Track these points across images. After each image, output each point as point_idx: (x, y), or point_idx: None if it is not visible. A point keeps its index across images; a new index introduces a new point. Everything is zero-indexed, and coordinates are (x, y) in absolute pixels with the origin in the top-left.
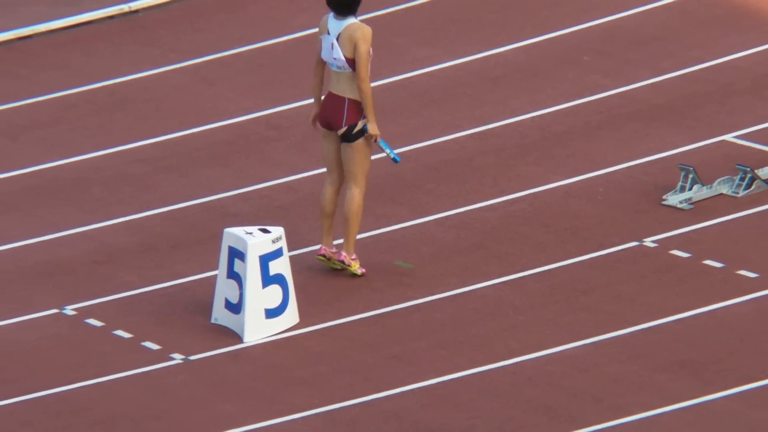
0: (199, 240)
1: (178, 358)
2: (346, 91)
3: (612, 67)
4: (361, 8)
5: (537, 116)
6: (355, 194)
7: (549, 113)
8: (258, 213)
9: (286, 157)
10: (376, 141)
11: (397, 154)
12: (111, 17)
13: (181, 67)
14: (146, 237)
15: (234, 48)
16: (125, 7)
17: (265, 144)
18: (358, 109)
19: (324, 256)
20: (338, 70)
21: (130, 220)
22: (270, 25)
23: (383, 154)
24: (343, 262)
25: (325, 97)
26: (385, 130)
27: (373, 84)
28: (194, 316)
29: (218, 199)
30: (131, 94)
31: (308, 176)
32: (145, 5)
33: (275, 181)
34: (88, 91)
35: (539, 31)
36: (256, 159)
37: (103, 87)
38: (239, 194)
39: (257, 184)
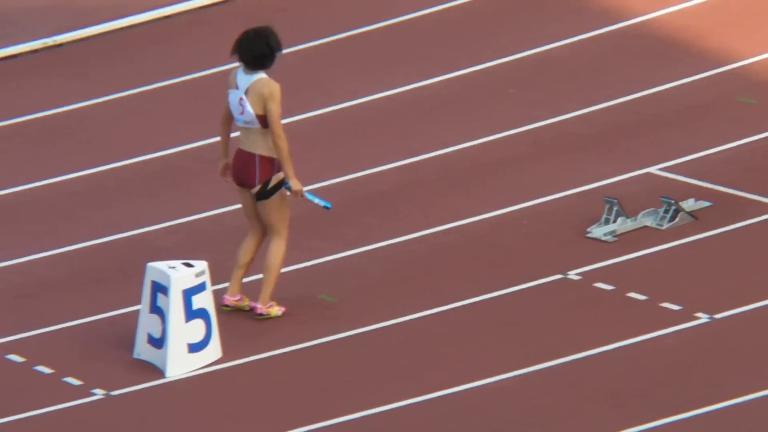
0: (125, 273)
1: (99, 393)
2: (256, 147)
3: (542, 99)
4: (292, 40)
5: (466, 148)
6: (279, 246)
7: (478, 145)
8: (184, 246)
9: (213, 190)
10: (302, 196)
11: (326, 200)
12: (36, 51)
13: (110, 100)
14: (73, 270)
15: (164, 80)
16: (49, 41)
17: (193, 177)
18: (269, 164)
19: (227, 306)
20: (246, 126)
21: (58, 254)
22: (200, 58)
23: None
24: (261, 314)
25: (235, 154)
26: (313, 163)
27: (302, 116)
28: (117, 351)
29: (145, 233)
30: (62, 126)
31: (234, 209)
32: (71, 39)
33: (202, 215)
34: (19, 124)
35: (470, 62)
36: (183, 192)
37: (34, 119)
38: (166, 227)
39: (184, 217)
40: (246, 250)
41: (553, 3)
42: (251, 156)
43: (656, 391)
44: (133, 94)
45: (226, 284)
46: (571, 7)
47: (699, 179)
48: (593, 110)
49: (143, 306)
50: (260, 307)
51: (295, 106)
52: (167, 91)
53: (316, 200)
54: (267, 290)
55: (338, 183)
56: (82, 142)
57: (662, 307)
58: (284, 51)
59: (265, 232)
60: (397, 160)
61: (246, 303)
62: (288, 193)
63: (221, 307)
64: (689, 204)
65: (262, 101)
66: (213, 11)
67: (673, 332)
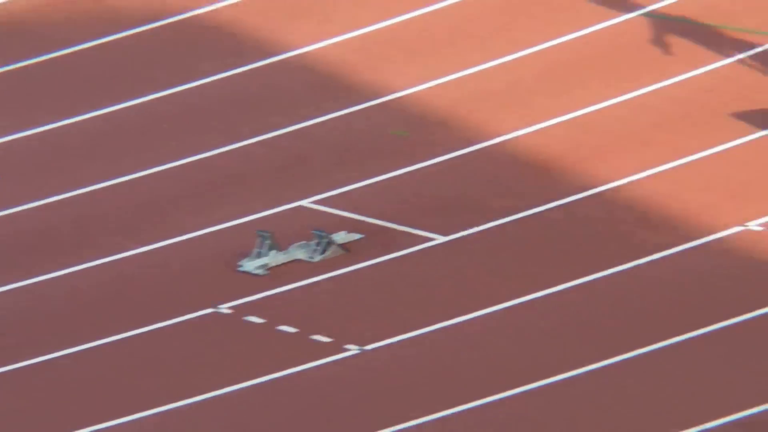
0: None
1: None
2: None
3: (192, 136)
4: None
5: (115, 185)
6: None
7: (128, 181)
8: None
9: None
10: None
11: None
12: None
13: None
14: None
15: None
16: None
17: None
18: None
19: None
20: None
21: None
22: None
23: None
24: None
25: None
26: None
27: None
28: None
29: None
30: None
31: None
32: None
33: None
34: None
35: (109, 101)
36: None
37: None
38: None
39: None
40: None
41: (207, 41)
42: None
43: (306, 426)
44: None
45: None
46: (223, 44)
47: (352, 212)
48: (242, 145)
49: None
50: None
51: None
52: None
53: None
54: None
55: None
56: None
57: (312, 340)
58: None
59: None
60: (36, 200)
61: None
62: None
63: None
64: (341, 236)
65: None
66: None
67: (323, 364)
